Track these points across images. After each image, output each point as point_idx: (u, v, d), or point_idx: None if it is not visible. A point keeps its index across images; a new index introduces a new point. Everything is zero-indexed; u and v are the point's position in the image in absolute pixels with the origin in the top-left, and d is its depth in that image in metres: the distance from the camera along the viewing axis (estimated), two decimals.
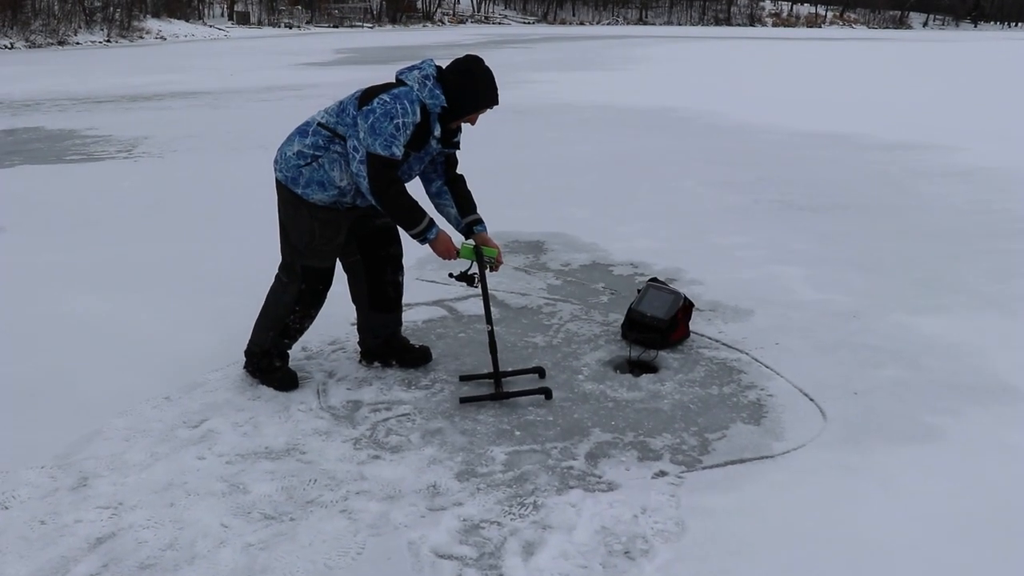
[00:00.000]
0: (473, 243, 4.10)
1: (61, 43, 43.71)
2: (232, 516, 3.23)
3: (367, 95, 3.87)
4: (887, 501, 3.22)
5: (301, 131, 4.02)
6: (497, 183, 8.95)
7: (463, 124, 4.08)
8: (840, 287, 5.57)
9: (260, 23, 63.72)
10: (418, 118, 3.82)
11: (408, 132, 3.79)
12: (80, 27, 45.78)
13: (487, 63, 3.97)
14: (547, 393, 4.02)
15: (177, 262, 6.32)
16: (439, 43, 39.88)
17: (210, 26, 55.74)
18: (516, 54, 30.26)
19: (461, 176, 4.23)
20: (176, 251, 6.61)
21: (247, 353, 4.31)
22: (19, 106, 17.82)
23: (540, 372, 4.27)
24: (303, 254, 4.09)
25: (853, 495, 3.27)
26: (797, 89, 17.93)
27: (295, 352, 4.54)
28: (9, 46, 41.82)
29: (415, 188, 4.05)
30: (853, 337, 4.74)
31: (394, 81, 3.94)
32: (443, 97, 3.85)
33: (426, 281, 5.72)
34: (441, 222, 4.10)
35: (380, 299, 4.35)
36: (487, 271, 4.08)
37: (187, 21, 55.34)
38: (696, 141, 11.57)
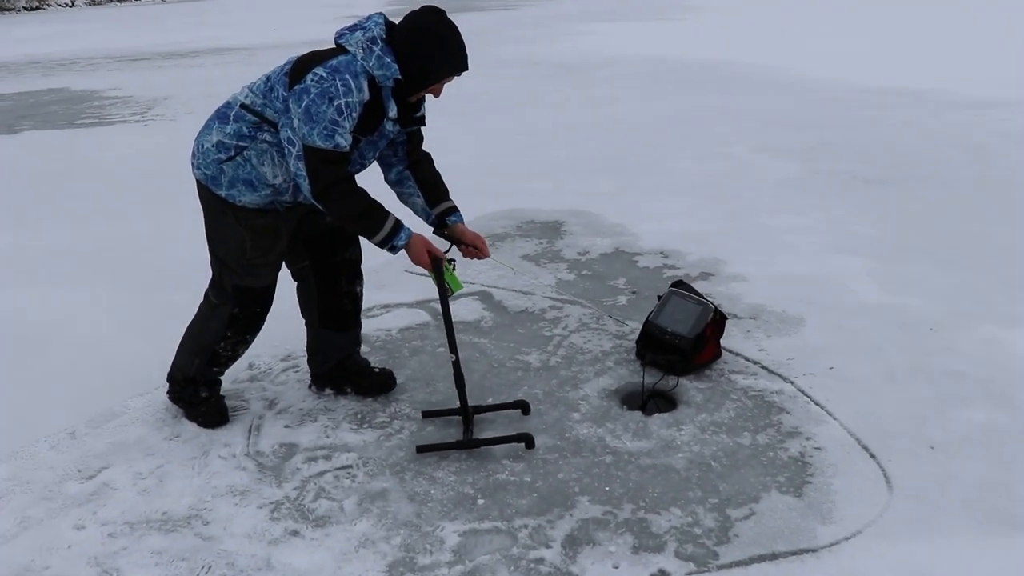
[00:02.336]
0: (450, 260, 3.21)
1: (120, 0, 43.52)
2: None
3: (298, 69, 2.97)
4: None
5: (221, 115, 3.14)
6: (520, 150, 8.06)
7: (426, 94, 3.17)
8: (914, 286, 4.54)
9: None
10: (366, 95, 2.92)
11: (354, 115, 2.90)
12: None
13: (450, 17, 3.04)
14: (528, 441, 3.15)
15: (145, 246, 5.58)
16: None
17: None
18: (573, 4, 28.87)
19: (427, 155, 3.34)
20: (149, 232, 5.87)
21: (170, 379, 3.52)
22: (54, 65, 17.40)
23: (524, 408, 3.40)
24: (234, 271, 3.25)
25: None
26: (871, 38, 16.42)
27: (237, 371, 3.75)
28: (70, 4, 41.75)
29: (368, 176, 3.18)
30: (930, 359, 3.75)
31: (334, 47, 3.03)
32: (395, 67, 2.94)
33: (415, 274, 4.84)
34: (406, 216, 3.24)
35: (332, 314, 3.51)
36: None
37: None
38: (753, 99, 10.39)
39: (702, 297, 3.81)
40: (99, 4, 42.03)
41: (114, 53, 19.04)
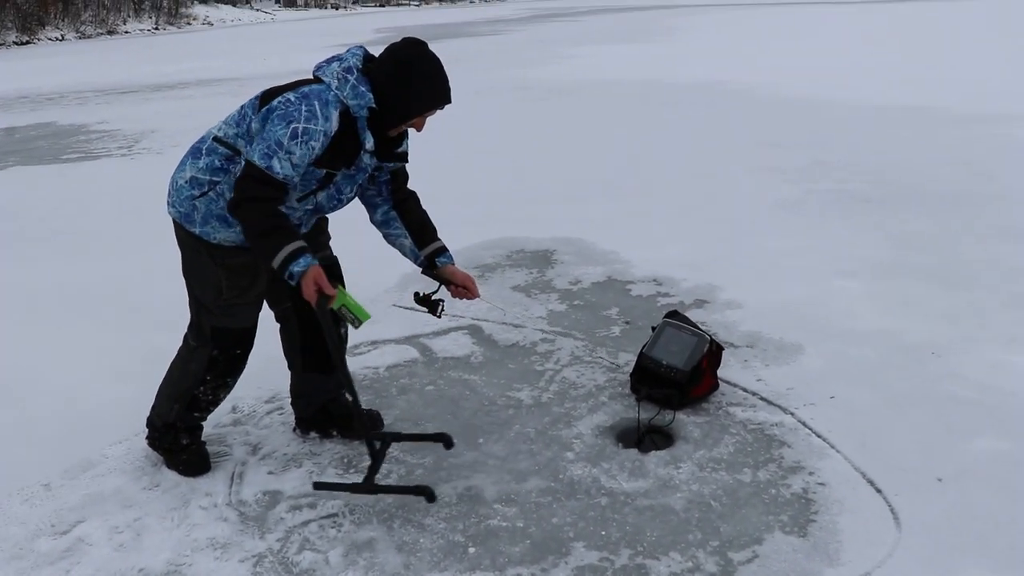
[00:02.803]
0: (439, 301, 3.13)
1: (110, 32, 43.51)
2: None
3: (271, 93, 2.90)
4: None
5: (194, 151, 3.04)
6: (509, 176, 7.98)
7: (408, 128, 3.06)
8: (915, 308, 4.44)
9: (307, 5, 63.19)
10: (334, 125, 2.81)
11: (313, 143, 2.77)
12: (129, 16, 45.46)
13: (433, 49, 2.95)
14: (428, 495, 2.99)
15: (126, 285, 5.44)
16: (483, 19, 38.67)
17: (257, 10, 55.18)
18: (561, 28, 28.96)
19: (412, 194, 3.23)
20: (131, 270, 5.73)
21: (149, 424, 3.39)
22: (43, 100, 17.30)
23: (446, 441, 3.28)
24: (212, 312, 3.13)
25: None
26: (861, 56, 16.45)
27: (219, 415, 3.62)
28: (60, 38, 41.76)
29: (347, 214, 3.08)
30: (934, 385, 3.64)
31: (310, 78, 2.94)
32: (370, 95, 2.84)
33: (403, 308, 4.73)
34: (393, 259, 3.14)
35: (315, 357, 3.39)
36: (353, 326, 2.98)
37: (234, 6, 54.81)
38: (746, 119, 10.35)
39: (697, 328, 3.71)
40: (89, 37, 42.07)
41: (103, 86, 18.97)
